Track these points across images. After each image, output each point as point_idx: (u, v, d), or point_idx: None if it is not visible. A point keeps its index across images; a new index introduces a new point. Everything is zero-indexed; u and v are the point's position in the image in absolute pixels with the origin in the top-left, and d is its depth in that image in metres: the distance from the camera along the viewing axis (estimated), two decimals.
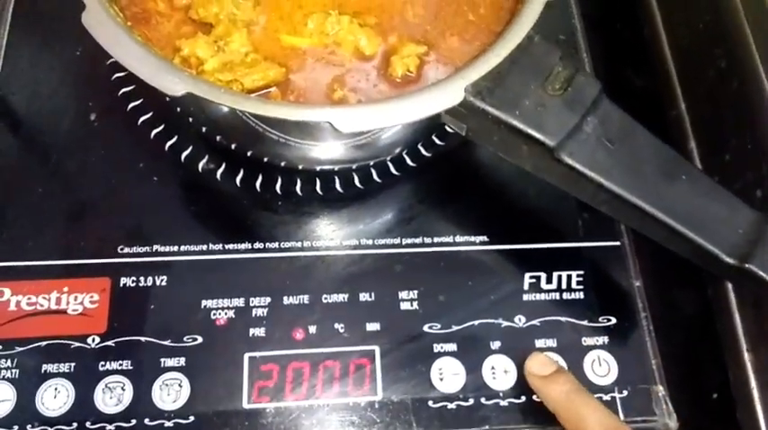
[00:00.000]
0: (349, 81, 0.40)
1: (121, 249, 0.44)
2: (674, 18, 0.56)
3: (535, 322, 0.44)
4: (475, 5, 0.43)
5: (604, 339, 0.44)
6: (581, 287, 0.46)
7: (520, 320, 0.44)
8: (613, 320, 0.45)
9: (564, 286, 0.46)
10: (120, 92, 0.49)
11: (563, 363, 0.43)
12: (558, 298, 0.45)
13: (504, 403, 0.42)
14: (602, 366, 0.43)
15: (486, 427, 0.42)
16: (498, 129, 0.38)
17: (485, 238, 0.47)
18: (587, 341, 0.44)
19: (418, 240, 0.47)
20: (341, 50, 0.41)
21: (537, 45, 0.39)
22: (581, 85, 0.38)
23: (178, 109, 0.46)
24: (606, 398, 0.43)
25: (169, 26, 0.40)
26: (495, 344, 0.43)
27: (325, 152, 0.46)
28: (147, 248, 0.44)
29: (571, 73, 0.39)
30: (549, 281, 0.46)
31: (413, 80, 0.40)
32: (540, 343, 0.44)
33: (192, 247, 0.45)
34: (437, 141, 0.50)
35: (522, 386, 0.42)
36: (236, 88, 0.38)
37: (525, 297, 0.45)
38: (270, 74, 0.38)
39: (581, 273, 0.46)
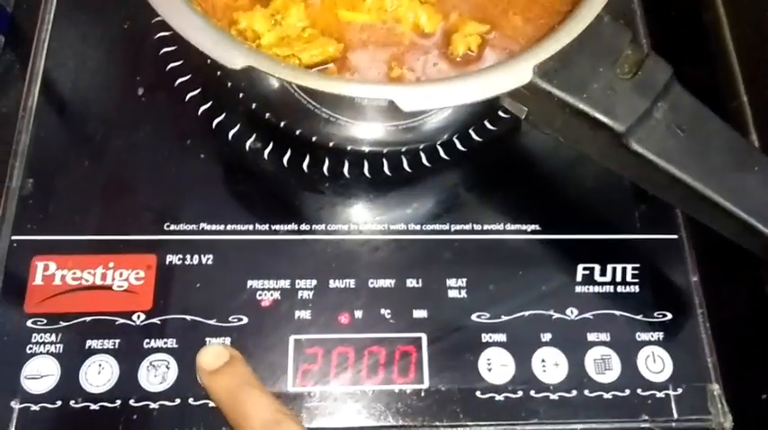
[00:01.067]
0: (407, 59, 0.39)
1: (168, 226, 0.43)
2: (738, 4, 0.54)
3: (587, 315, 0.43)
4: None
5: (659, 335, 0.43)
6: (636, 281, 0.44)
7: (572, 313, 0.43)
8: (669, 316, 0.43)
9: (618, 279, 0.44)
10: (168, 67, 0.48)
11: (616, 359, 0.42)
12: (611, 291, 0.44)
13: (554, 397, 0.41)
14: (656, 363, 0.42)
15: (535, 421, 0.40)
16: (563, 113, 0.37)
17: (536, 227, 0.45)
18: (642, 336, 0.43)
19: (467, 227, 0.45)
20: (400, 27, 0.39)
21: (606, 26, 0.37)
22: (652, 68, 0.37)
23: (229, 84, 0.45)
24: (660, 395, 0.41)
25: None
26: (546, 337, 0.42)
27: (376, 133, 0.44)
28: (193, 226, 0.43)
29: (641, 56, 0.37)
30: (603, 273, 0.44)
31: (473, 60, 0.39)
32: (592, 336, 0.42)
33: (239, 227, 0.44)
34: (489, 126, 0.48)
35: (573, 380, 0.41)
36: (294, 63, 0.37)
37: (578, 289, 0.44)
38: (329, 49, 0.37)
39: (636, 266, 0.44)
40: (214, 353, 0.36)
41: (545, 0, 0.41)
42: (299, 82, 0.33)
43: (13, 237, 0.42)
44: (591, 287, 0.44)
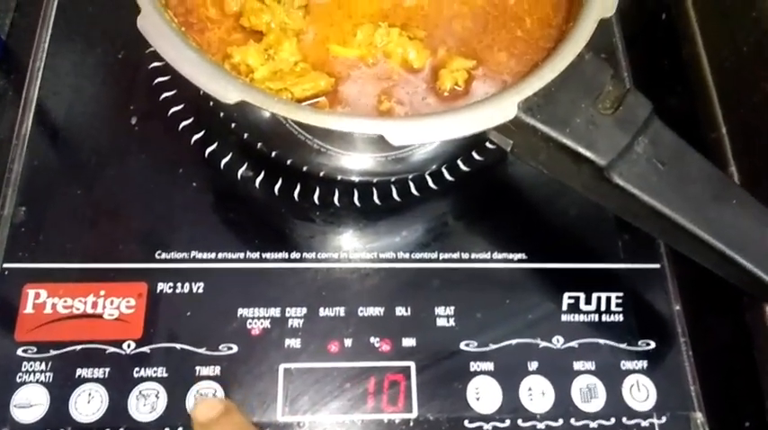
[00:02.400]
0: (397, 93, 0.40)
1: (159, 254, 0.44)
2: (716, 38, 0.55)
3: (573, 344, 0.44)
4: (521, 20, 0.43)
5: (643, 364, 0.43)
6: (620, 309, 0.45)
7: (558, 341, 0.44)
8: (652, 344, 0.44)
9: (603, 308, 0.45)
10: (162, 97, 0.49)
11: (601, 387, 0.42)
12: (596, 319, 0.45)
13: (541, 426, 0.41)
14: (640, 391, 0.43)
15: None
16: (547, 147, 0.38)
17: (523, 256, 0.46)
18: (626, 365, 0.43)
19: (455, 255, 0.46)
20: (389, 62, 0.41)
21: (588, 62, 0.38)
22: (632, 104, 0.38)
23: (221, 114, 0.45)
24: (645, 424, 0.42)
25: (220, 32, 0.40)
26: (533, 365, 0.43)
27: (366, 164, 0.45)
28: (184, 254, 0.44)
29: (622, 92, 0.38)
30: (587, 302, 0.45)
31: (461, 94, 0.40)
32: (578, 365, 0.43)
33: (230, 255, 0.44)
34: (476, 157, 0.49)
35: (559, 408, 0.41)
36: (286, 97, 0.38)
37: (563, 317, 0.44)
38: (320, 83, 0.38)
39: (620, 295, 0.45)
40: (208, 406, 0.36)
41: (528, 37, 0.42)
42: (292, 117, 0.33)
43: (5, 265, 0.43)
44: (576, 316, 0.44)
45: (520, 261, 0.46)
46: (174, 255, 0.44)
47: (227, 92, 0.33)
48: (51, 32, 0.52)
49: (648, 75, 0.56)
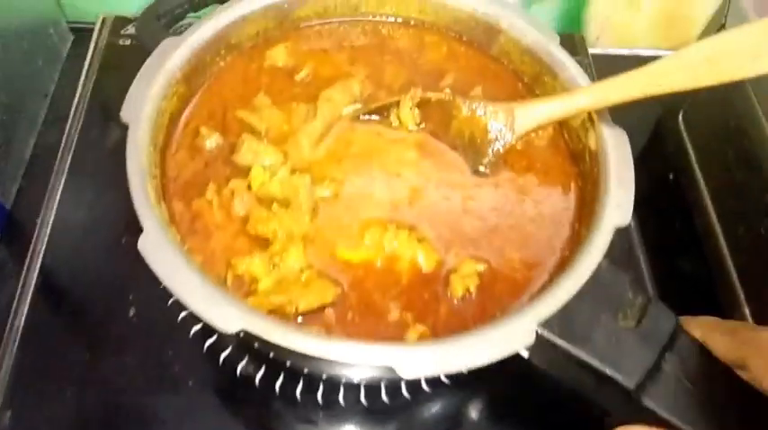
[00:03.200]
0: (406, 300, 0.38)
1: None
2: (730, 215, 0.55)
3: None
4: (532, 220, 0.42)
5: None
6: None
7: None
8: None
9: None
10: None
11: None
12: None
13: None
14: None
15: None
16: (567, 363, 0.35)
17: None
18: None
19: None
20: (398, 266, 0.39)
21: (605, 272, 0.37)
22: (656, 317, 0.36)
23: None
24: None
25: (225, 239, 0.39)
26: None
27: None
28: None
29: (644, 302, 0.37)
30: None
31: (473, 300, 0.38)
32: None
33: None
34: None
35: None
36: (290, 309, 0.36)
37: None
38: (326, 295, 0.37)
39: None
40: None
41: (540, 235, 0.41)
42: (294, 348, 0.31)
43: None
44: None
45: None
46: None
47: (227, 321, 0.32)
48: (57, 207, 0.51)
49: (664, 251, 0.55)
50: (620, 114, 0.42)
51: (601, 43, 0.70)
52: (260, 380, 0.44)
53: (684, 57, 0.38)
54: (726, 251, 0.54)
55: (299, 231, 0.39)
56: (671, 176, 0.63)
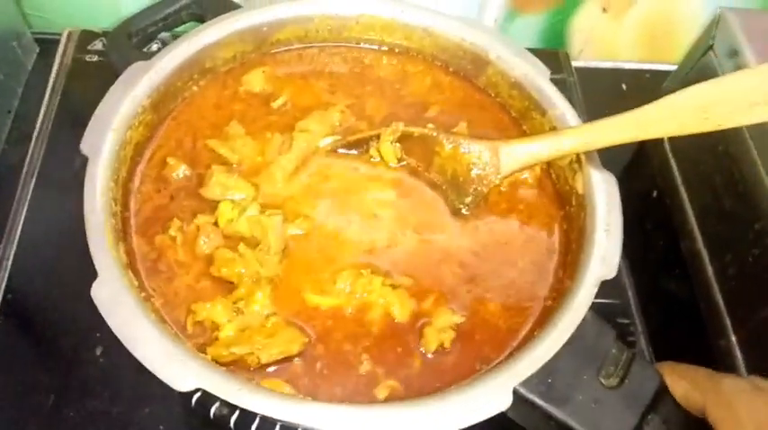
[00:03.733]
0: (376, 351, 0.36)
1: None
2: (717, 240, 0.53)
3: None
4: (514, 265, 0.40)
5: None
6: None
7: None
8: None
9: None
10: None
11: None
12: None
13: None
14: None
15: None
16: (547, 423, 0.34)
17: None
18: None
19: None
20: (369, 314, 0.37)
21: (590, 326, 0.35)
22: (639, 376, 0.34)
23: None
24: None
25: (188, 279, 0.37)
26: None
27: None
28: None
29: (628, 358, 0.35)
30: None
31: (447, 354, 0.36)
32: None
33: None
34: None
35: None
36: (252, 360, 0.34)
37: None
38: (291, 347, 0.34)
39: None
40: None
41: (521, 282, 0.39)
42: (254, 409, 0.30)
43: None
44: None
45: None
46: None
47: (181, 379, 0.30)
48: (20, 235, 0.49)
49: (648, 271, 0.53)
50: None
51: (584, 56, 0.69)
52: (234, 423, 0.42)
53: (676, 103, 0.36)
54: (712, 276, 0.52)
55: (266, 274, 0.37)
56: (654, 194, 0.62)
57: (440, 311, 0.37)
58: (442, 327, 0.36)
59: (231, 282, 0.37)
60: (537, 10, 0.65)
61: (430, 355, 0.36)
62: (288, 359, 0.35)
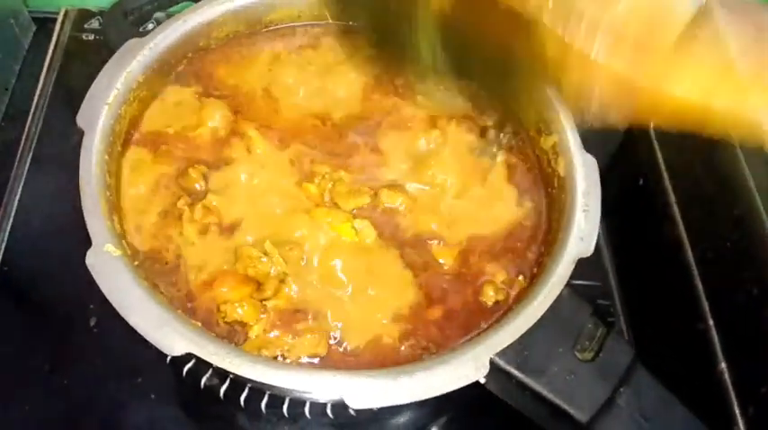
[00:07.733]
0: None
1: None
2: (697, 225, 0.54)
3: None
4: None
5: None
6: None
7: None
8: None
9: None
10: None
11: None
12: None
13: None
14: None
15: None
16: (522, 394, 0.35)
17: None
18: None
19: None
20: None
21: (567, 302, 0.36)
22: (613, 350, 0.36)
23: None
24: None
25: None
26: None
27: None
28: None
29: (603, 333, 0.36)
30: None
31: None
32: None
33: None
34: None
35: None
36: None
37: None
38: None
39: None
40: None
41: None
42: (240, 373, 0.31)
43: None
44: None
45: None
46: None
47: (172, 343, 0.31)
48: (16, 209, 0.50)
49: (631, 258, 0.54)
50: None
51: None
52: (224, 393, 0.43)
53: None
54: (692, 261, 0.53)
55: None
56: (641, 182, 0.63)
57: None
58: None
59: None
60: None
61: None
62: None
